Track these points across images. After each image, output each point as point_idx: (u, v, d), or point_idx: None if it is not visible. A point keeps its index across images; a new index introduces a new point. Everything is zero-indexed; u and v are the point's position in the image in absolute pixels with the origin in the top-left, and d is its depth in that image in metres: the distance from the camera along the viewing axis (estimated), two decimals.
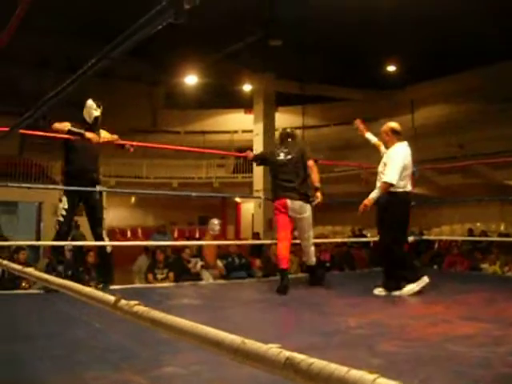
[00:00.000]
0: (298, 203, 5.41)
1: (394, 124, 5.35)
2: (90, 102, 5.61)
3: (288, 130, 6.03)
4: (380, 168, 5.27)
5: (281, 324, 3.65)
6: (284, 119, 23.81)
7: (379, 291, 5.00)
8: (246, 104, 24.49)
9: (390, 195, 4.99)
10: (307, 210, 5.48)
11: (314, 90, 22.58)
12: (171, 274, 8.90)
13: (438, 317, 3.78)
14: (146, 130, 25.94)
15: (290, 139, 5.79)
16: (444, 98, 21.91)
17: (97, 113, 5.60)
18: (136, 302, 1.12)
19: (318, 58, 19.23)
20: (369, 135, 5.95)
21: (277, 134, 6.26)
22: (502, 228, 21.03)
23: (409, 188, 5.14)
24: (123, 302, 1.13)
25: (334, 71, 20.55)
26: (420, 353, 2.68)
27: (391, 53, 19.05)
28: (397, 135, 5.25)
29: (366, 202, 4.90)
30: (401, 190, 5.06)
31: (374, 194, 4.96)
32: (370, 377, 0.63)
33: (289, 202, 5.37)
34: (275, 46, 17.48)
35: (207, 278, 8.02)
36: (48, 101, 1.99)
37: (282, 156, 5.58)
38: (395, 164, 5.01)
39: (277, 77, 21.21)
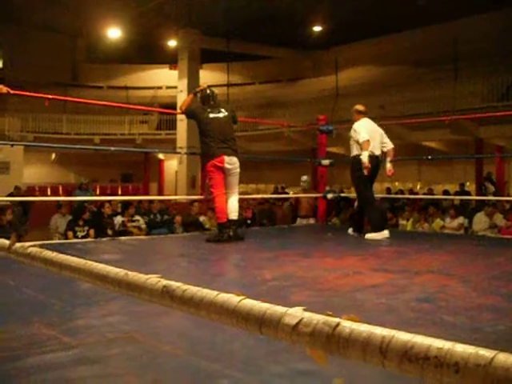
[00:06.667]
0: (234, 158, 5.67)
1: (357, 106, 6.39)
2: None
3: (214, 89, 6.13)
4: (351, 141, 6.20)
5: (199, 277, 3.69)
6: (209, 76, 23.55)
7: (371, 236, 5.95)
8: (170, 60, 24.00)
9: (356, 158, 6.02)
10: (239, 166, 5.75)
11: (239, 47, 22.38)
12: (92, 231, 8.78)
13: (350, 269, 3.92)
14: (67, 84, 24.98)
15: (217, 98, 5.95)
16: (367, 60, 22.25)
17: None
18: (30, 244, 1.11)
19: (245, 16, 19.02)
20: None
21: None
22: (419, 187, 21.95)
23: (376, 152, 6.08)
24: (17, 244, 1.11)
25: (260, 29, 20.42)
26: (330, 302, 2.78)
27: (317, 13, 19.09)
28: (361, 114, 6.27)
29: (365, 166, 5.83)
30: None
31: (364, 158, 5.83)
32: (236, 298, 0.67)
33: (226, 158, 5.60)
34: (201, 1, 17.15)
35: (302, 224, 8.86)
36: None
37: (215, 114, 5.73)
38: (360, 130, 6.03)
39: (202, 33, 20.89)
